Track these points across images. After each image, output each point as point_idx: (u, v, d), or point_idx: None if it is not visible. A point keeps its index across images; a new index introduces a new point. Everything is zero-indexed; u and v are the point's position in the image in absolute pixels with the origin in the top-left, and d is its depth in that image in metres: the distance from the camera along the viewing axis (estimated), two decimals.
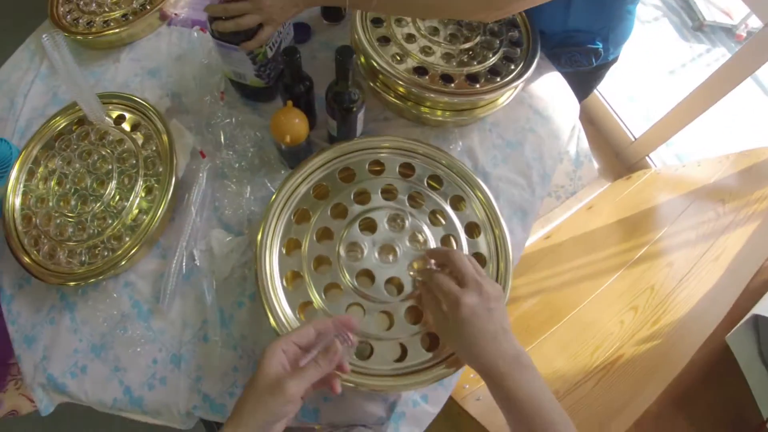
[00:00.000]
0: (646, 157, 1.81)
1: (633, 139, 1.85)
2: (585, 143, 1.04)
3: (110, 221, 0.83)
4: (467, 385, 1.05)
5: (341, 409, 0.75)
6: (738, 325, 0.93)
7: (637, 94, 2.04)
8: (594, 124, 1.96)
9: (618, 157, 1.90)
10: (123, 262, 0.80)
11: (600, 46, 1.02)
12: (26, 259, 0.84)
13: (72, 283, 0.81)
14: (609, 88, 1.96)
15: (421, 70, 0.87)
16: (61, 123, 0.93)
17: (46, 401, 0.84)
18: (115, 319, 0.82)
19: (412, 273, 0.70)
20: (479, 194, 0.77)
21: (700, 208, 1.34)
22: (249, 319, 0.79)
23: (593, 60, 1.04)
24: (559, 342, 1.12)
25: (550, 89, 1.00)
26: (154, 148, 0.87)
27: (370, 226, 0.73)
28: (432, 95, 0.84)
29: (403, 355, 0.68)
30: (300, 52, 0.74)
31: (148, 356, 0.80)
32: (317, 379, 0.52)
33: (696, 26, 2.39)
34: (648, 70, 2.12)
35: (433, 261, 0.65)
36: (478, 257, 0.74)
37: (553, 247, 1.46)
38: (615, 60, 1.11)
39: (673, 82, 2.14)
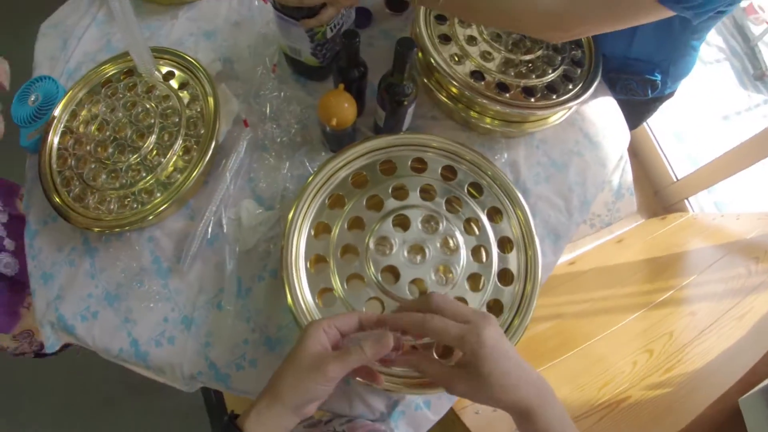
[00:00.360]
0: (685, 200, 1.77)
1: (675, 180, 1.81)
2: (629, 176, 1.02)
3: (144, 174, 0.83)
4: None
5: (344, 399, 0.74)
6: (753, 390, 0.91)
7: (685, 134, 1.98)
8: (637, 156, 1.91)
9: (656, 195, 1.86)
10: (150, 217, 0.80)
11: (658, 78, 0.99)
12: (56, 199, 0.84)
13: (96, 229, 0.81)
14: (658, 124, 1.91)
15: (477, 75, 0.85)
16: (111, 70, 0.93)
17: (53, 339, 0.84)
18: (133, 272, 0.83)
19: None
20: (519, 212, 0.75)
21: (732, 263, 1.31)
22: (266, 294, 0.78)
23: (649, 91, 1.01)
24: (567, 371, 1.10)
25: (603, 115, 0.98)
26: (198, 110, 0.87)
27: (402, 223, 0.72)
28: (485, 101, 0.82)
29: None
30: (360, 37, 0.72)
31: (160, 313, 0.80)
32: (358, 366, 0.50)
33: (757, 75, 2.31)
34: (701, 111, 2.06)
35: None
36: (506, 273, 0.73)
37: (576, 273, 1.44)
38: (671, 95, 1.08)
39: (726, 129, 2.07)
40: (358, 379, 0.62)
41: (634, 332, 1.18)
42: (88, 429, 1.66)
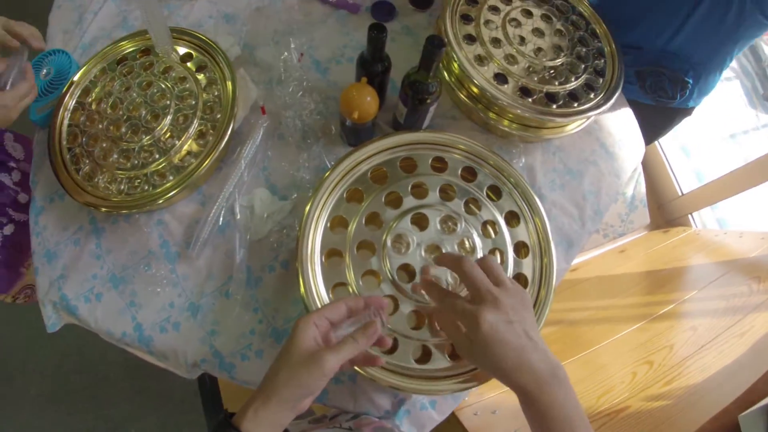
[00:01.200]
0: (688, 215, 1.77)
1: (680, 194, 1.81)
2: (643, 188, 1.02)
3: (157, 156, 0.82)
4: (468, 397, 1.04)
5: (350, 395, 0.74)
6: (754, 407, 0.91)
7: (693, 150, 1.99)
8: (644, 168, 1.91)
9: (660, 208, 1.86)
10: (161, 201, 0.79)
11: (690, 81, 0.98)
12: (64, 175, 0.83)
13: (104, 209, 0.80)
14: (667, 138, 1.90)
15: (501, 77, 0.84)
16: (128, 48, 0.91)
17: (54, 319, 0.83)
18: (140, 255, 0.81)
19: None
20: (537, 220, 0.74)
21: (734, 280, 1.31)
22: (276, 285, 0.78)
23: (678, 94, 1.01)
24: (568, 376, 1.10)
25: (620, 126, 0.97)
26: (216, 94, 0.86)
27: (420, 222, 0.71)
28: (505, 103, 0.81)
29: (426, 357, 0.66)
30: (387, 32, 0.71)
31: (166, 299, 0.79)
32: (353, 356, 0.51)
33: (767, 95, 2.31)
34: (709, 128, 2.06)
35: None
36: (520, 278, 0.72)
37: (578, 281, 1.44)
38: (691, 111, 1.09)
39: (732, 147, 2.07)
40: (368, 371, 0.62)
41: (635, 343, 1.18)
42: (82, 406, 1.65)
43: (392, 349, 0.65)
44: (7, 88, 0.74)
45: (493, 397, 1.09)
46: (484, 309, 0.52)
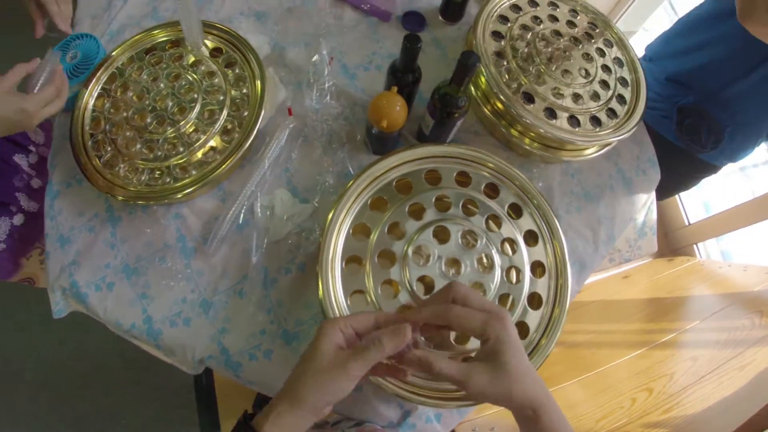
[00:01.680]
0: (693, 245, 1.78)
1: (687, 224, 1.82)
2: (654, 215, 1.02)
3: (181, 149, 0.82)
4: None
5: (356, 404, 0.73)
6: None
7: (702, 181, 2.00)
8: None
9: (666, 236, 1.87)
10: (180, 195, 0.79)
11: (726, 136, 0.99)
12: (84, 160, 0.83)
13: (121, 198, 0.79)
14: None
15: (527, 96, 0.85)
16: (159, 37, 0.91)
17: (62, 305, 0.83)
18: (156, 247, 0.81)
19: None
20: (556, 244, 0.75)
21: (736, 313, 1.32)
22: (291, 288, 0.77)
23: (709, 145, 1.02)
24: (568, 398, 1.10)
25: (639, 154, 0.98)
26: (244, 91, 0.86)
27: (441, 235, 0.71)
28: (528, 121, 0.82)
29: None
30: (421, 43, 0.72)
31: (179, 293, 0.79)
32: (378, 360, 0.49)
33: None
34: None
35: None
36: (534, 297, 0.72)
37: (581, 303, 1.44)
38: (715, 170, 1.11)
39: (742, 180, 2.09)
40: (376, 378, 0.61)
41: (635, 369, 1.18)
42: (77, 393, 1.64)
43: None
44: (36, 90, 0.75)
45: (491, 414, 1.09)
46: (503, 314, 0.50)
